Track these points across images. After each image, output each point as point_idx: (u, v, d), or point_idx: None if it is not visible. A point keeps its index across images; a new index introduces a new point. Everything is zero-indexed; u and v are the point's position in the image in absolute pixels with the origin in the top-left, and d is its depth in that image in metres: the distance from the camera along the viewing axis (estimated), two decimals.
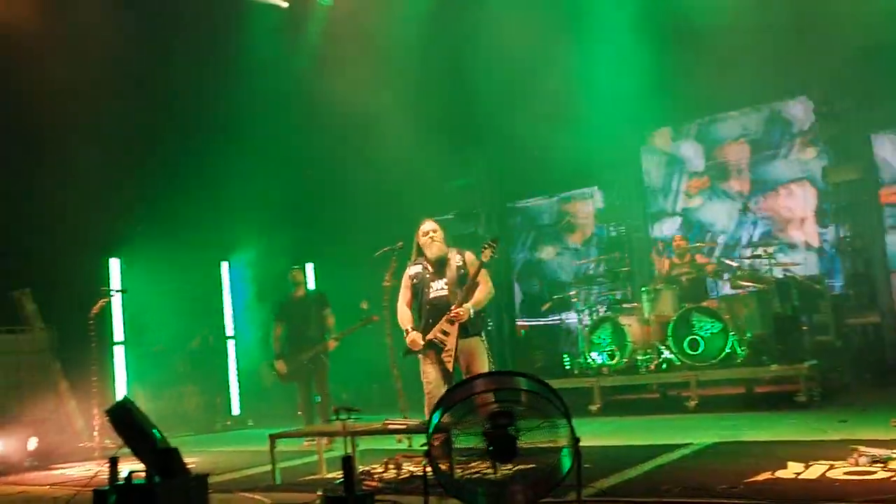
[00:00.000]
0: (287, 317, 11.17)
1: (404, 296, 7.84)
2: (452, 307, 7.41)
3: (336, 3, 14.71)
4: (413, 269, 7.82)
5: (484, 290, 7.58)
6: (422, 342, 7.52)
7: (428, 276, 7.72)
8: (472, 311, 7.41)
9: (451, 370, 7.45)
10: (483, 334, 7.64)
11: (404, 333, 7.68)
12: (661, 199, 16.10)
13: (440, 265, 7.70)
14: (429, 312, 7.63)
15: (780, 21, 12.45)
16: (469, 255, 7.73)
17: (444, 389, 7.41)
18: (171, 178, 13.95)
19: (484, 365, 7.39)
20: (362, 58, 13.87)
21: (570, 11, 13.51)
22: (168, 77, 13.60)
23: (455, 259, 7.65)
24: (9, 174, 11.94)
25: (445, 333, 7.45)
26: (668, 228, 15.68)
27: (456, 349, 7.42)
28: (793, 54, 12.77)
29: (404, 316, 7.78)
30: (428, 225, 7.81)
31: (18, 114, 11.90)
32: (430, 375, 7.53)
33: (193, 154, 14.24)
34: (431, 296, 7.65)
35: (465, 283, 7.55)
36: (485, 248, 7.47)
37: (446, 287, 7.58)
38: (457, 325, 7.40)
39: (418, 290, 7.75)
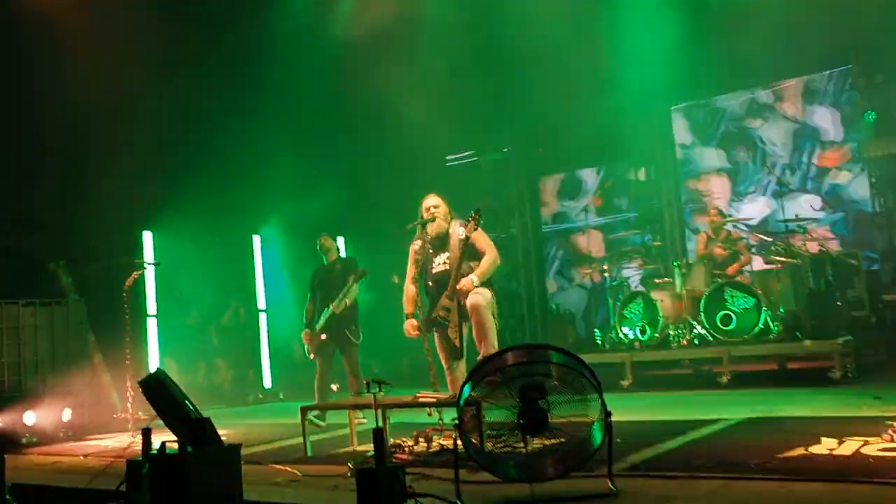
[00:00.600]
0: (316, 286, 10.58)
1: (410, 272, 7.95)
2: (448, 286, 7.49)
3: None
4: (416, 244, 7.92)
5: (488, 260, 7.60)
6: (414, 331, 7.67)
7: (430, 251, 7.81)
8: (475, 281, 7.41)
9: (458, 346, 7.54)
10: (491, 301, 7.58)
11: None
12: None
13: (441, 240, 7.77)
14: (432, 288, 7.77)
15: None
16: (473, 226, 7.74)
17: (455, 365, 7.50)
18: (202, 152, 13.98)
19: (489, 334, 7.34)
20: (395, 35, 13.80)
21: None
22: (198, 51, 13.58)
23: (457, 232, 7.66)
24: (43, 150, 12.00)
25: (447, 310, 7.53)
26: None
27: (460, 324, 7.50)
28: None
29: (407, 296, 7.90)
30: (430, 200, 7.89)
31: (52, 91, 11.95)
32: (440, 352, 7.69)
33: (225, 128, 14.24)
34: (434, 271, 7.77)
35: (470, 254, 7.59)
36: (468, 222, 7.53)
37: (447, 262, 7.66)
38: (456, 300, 7.46)
39: (422, 265, 7.84)
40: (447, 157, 17.71)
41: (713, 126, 15.86)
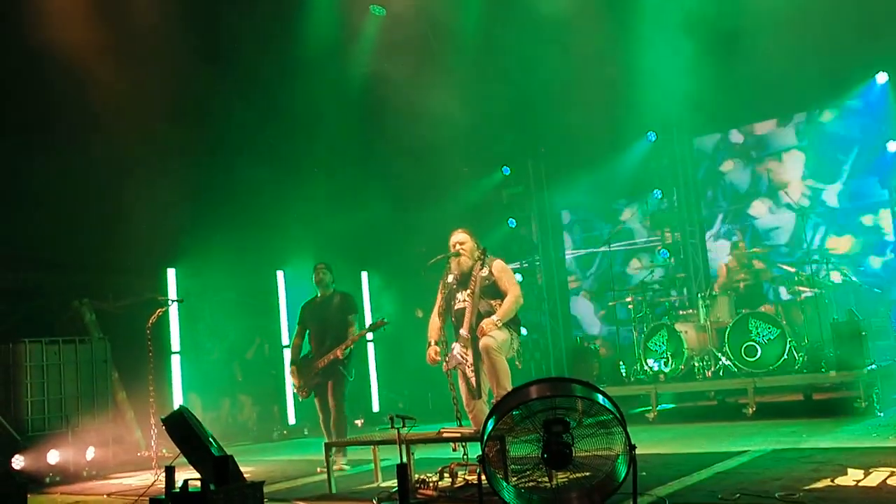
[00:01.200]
0: (307, 320, 9.99)
1: (437, 303, 7.95)
2: (463, 324, 7.57)
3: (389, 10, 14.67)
4: (448, 278, 7.95)
5: (511, 300, 7.65)
6: (437, 356, 7.69)
7: (455, 286, 7.88)
8: (498, 322, 7.44)
9: (474, 385, 7.57)
10: (510, 340, 7.61)
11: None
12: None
13: (465, 277, 7.81)
14: (454, 324, 7.84)
15: None
16: (497, 264, 7.85)
17: (474, 403, 7.57)
18: (226, 189, 14.07)
19: (500, 376, 7.37)
20: (421, 61, 13.93)
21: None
22: (225, 88, 13.71)
23: (480, 270, 7.69)
24: (66, 190, 12.11)
25: (465, 349, 7.56)
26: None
27: (476, 364, 7.53)
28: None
29: (432, 326, 7.93)
30: (456, 237, 7.97)
31: (78, 124, 12.08)
32: (462, 389, 7.72)
33: (248, 164, 14.34)
34: (455, 307, 7.84)
35: (491, 293, 7.66)
36: (480, 260, 7.65)
37: (467, 299, 7.68)
38: (472, 340, 7.52)
39: (448, 300, 7.90)
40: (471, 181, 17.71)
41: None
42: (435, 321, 7.90)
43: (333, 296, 9.95)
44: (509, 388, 7.14)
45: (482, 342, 7.40)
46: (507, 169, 17.59)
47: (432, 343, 7.79)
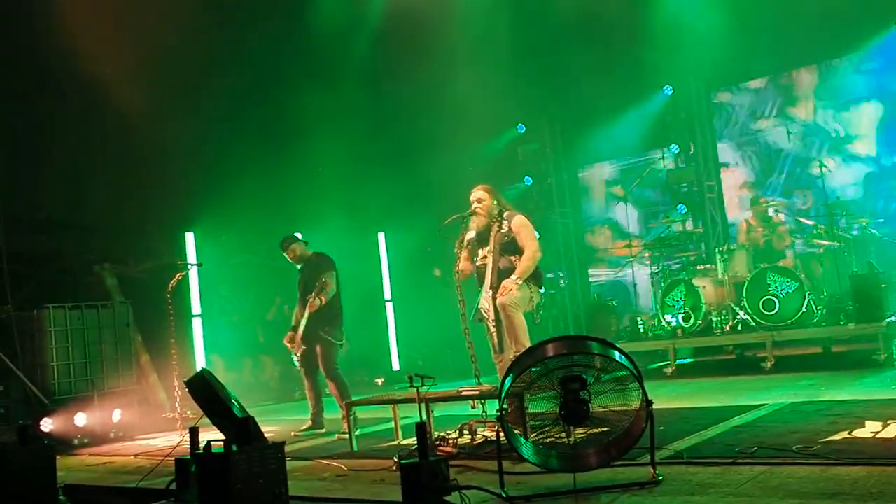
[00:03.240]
0: (299, 290, 9.99)
1: (463, 254, 7.95)
2: (485, 280, 7.61)
3: None
4: (469, 234, 7.93)
5: (528, 257, 7.64)
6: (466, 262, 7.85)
7: (476, 243, 7.89)
8: (518, 281, 7.47)
9: (495, 341, 7.62)
10: (528, 296, 7.62)
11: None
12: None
13: (483, 235, 7.83)
14: (477, 280, 7.87)
15: None
16: (517, 220, 7.82)
17: (500, 357, 7.59)
18: (244, 152, 14.08)
19: (518, 332, 7.41)
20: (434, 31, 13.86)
21: None
22: (242, 52, 13.69)
23: (499, 227, 7.71)
24: (86, 155, 12.17)
25: (488, 305, 7.62)
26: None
27: (497, 320, 7.54)
28: None
29: (463, 270, 7.97)
30: (475, 194, 7.96)
31: (95, 93, 12.10)
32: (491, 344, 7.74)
33: (265, 126, 14.35)
34: (478, 264, 7.87)
35: (510, 250, 7.66)
36: (497, 221, 7.70)
37: (488, 256, 7.72)
38: (492, 297, 7.54)
39: (472, 255, 7.95)
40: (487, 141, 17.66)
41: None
42: (466, 266, 7.95)
43: (311, 260, 10.01)
44: (527, 344, 7.22)
45: (498, 300, 7.43)
46: (522, 126, 17.53)
47: (460, 272, 7.89)
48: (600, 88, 14.88)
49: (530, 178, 17.51)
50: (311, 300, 9.37)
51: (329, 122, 14.54)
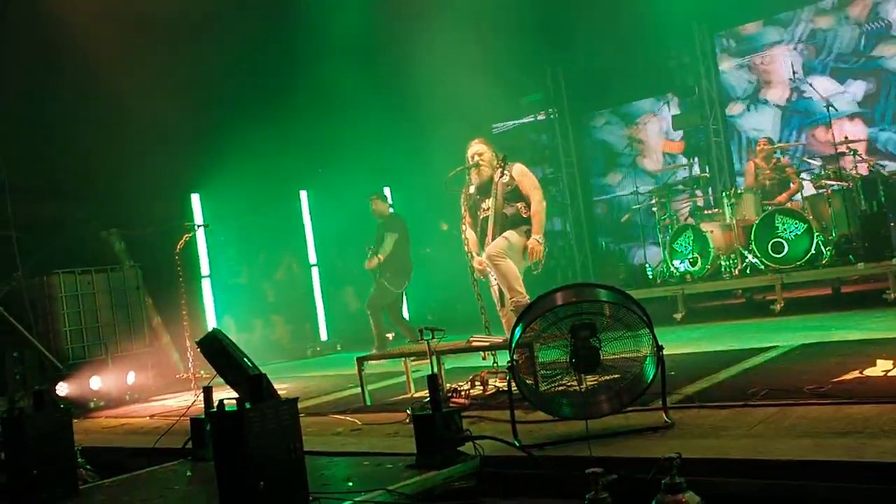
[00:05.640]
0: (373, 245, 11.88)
1: (466, 218, 8.04)
2: (488, 232, 7.61)
3: None
4: (469, 190, 7.99)
5: (537, 210, 7.69)
6: (482, 267, 7.73)
7: (478, 196, 7.91)
8: (539, 239, 7.55)
9: (497, 293, 7.68)
10: (513, 244, 7.60)
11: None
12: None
13: (486, 187, 7.83)
14: (480, 234, 7.86)
15: None
16: (517, 168, 7.85)
17: (503, 311, 7.64)
18: (247, 111, 14.02)
19: (509, 279, 7.41)
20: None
21: None
22: (245, 13, 13.61)
23: (500, 177, 7.69)
24: (86, 115, 12.13)
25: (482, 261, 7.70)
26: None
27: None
28: None
29: (470, 241, 7.99)
30: (474, 148, 7.98)
31: (97, 57, 12.04)
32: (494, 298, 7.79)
33: (269, 86, 14.30)
34: (480, 217, 7.87)
35: (514, 198, 7.68)
36: (500, 167, 7.68)
37: (491, 207, 7.71)
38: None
39: (473, 211, 7.97)
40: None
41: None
42: (471, 236, 7.96)
43: (387, 219, 12.20)
44: (519, 290, 7.35)
45: (485, 253, 7.53)
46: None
47: (474, 255, 7.86)
48: (604, 36, 14.78)
49: (535, 130, 17.48)
50: (370, 256, 11.71)
51: (334, 79, 14.49)
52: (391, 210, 12.39)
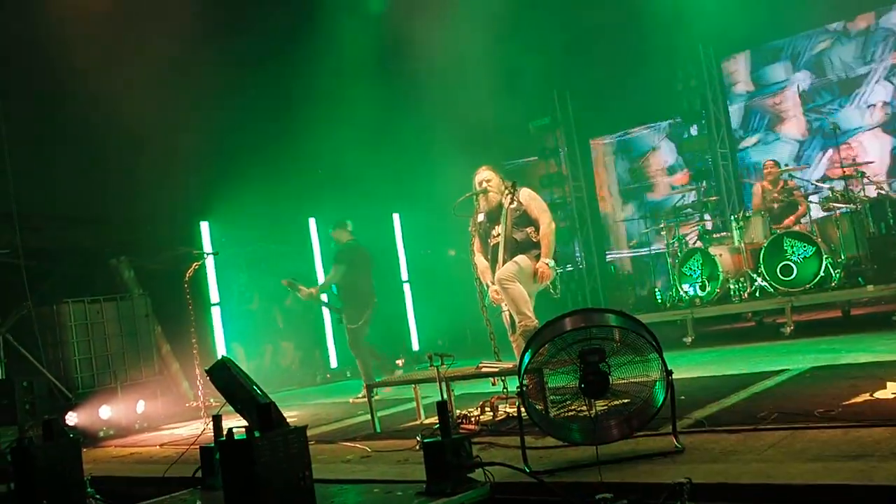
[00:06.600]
0: None
1: (476, 245, 8.06)
2: (499, 258, 7.61)
3: None
4: (478, 217, 8.00)
5: (546, 234, 7.73)
6: (498, 296, 7.68)
7: (488, 224, 7.94)
8: (550, 263, 7.59)
9: (509, 319, 7.71)
10: (522, 270, 7.60)
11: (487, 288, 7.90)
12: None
13: (495, 213, 7.86)
14: (491, 261, 7.85)
15: None
16: (524, 192, 7.88)
17: (514, 336, 7.66)
18: (256, 139, 14.08)
19: (518, 304, 7.42)
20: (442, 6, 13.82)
21: None
22: (253, 41, 13.69)
23: (510, 203, 7.73)
24: (98, 146, 12.18)
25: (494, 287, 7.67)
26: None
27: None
28: None
29: (481, 269, 7.99)
30: (481, 175, 8.01)
31: (107, 85, 12.11)
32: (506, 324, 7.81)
33: (277, 114, 14.36)
34: (491, 244, 7.87)
35: (523, 222, 7.72)
36: (509, 193, 7.69)
37: (501, 233, 7.73)
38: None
39: (483, 238, 8.00)
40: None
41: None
42: (482, 263, 7.98)
43: (339, 249, 11.75)
44: (528, 314, 7.34)
45: (496, 277, 7.54)
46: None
47: (490, 284, 7.84)
48: (611, 60, 14.85)
49: (543, 152, 17.54)
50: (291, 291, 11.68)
51: (341, 104, 14.55)
52: (350, 239, 11.81)
